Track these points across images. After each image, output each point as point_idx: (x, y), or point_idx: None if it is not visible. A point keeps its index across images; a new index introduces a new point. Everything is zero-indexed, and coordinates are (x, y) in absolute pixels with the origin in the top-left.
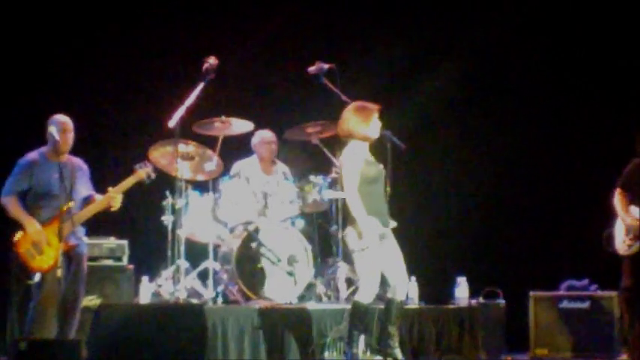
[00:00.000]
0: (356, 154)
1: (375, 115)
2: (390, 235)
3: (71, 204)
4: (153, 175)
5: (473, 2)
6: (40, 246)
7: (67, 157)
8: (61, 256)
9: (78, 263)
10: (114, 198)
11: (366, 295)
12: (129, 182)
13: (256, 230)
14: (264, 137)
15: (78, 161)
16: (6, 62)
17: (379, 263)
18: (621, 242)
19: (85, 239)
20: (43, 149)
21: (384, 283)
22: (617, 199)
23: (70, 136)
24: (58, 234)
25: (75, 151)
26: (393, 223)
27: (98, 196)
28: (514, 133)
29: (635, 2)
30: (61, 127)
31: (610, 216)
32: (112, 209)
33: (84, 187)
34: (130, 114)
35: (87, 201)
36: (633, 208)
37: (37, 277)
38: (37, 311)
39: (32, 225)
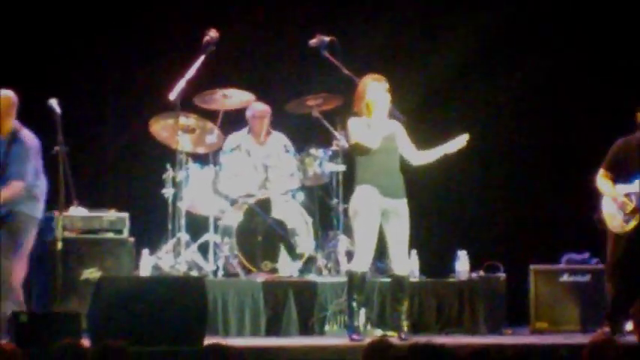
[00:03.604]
0: (354, 125)
1: (370, 86)
2: (398, 212)
3: None
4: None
5: None
6: None
7: (8, 134)
8: None
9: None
10: None
11: (357, 263)
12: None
13: (257, 203)
14: (255, 111)
15: (20, 137)
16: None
17: (372, 231)
18: (616, 221)
19: (22, 209)
20: None
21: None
22: (603, 181)
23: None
24: None
25: (76, 124)
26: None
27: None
28: (516, 108)
29: None
30: None
31: (596, 196)
32: None
33: (14, 165)
34: (130, 87)
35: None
36: (620, 187)
37: None
38: None
39: None
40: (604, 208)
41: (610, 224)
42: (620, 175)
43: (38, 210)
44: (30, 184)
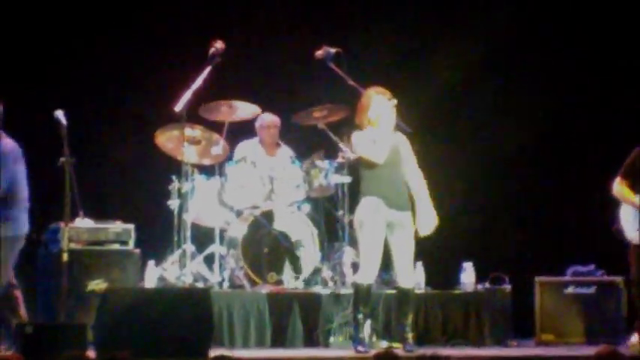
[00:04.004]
0: (359, 139)
1: (375, 99)
2: (403, 224)
3: None
4: None
5: None
6: None
7: None
8: None
9: None
10: None
11: (363, 275)
12: None
13: (263, 214)
14: (264, 122)
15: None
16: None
17: (377, 243)
18: (636, 231)
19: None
20: None
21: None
22: (620, 188)
23: None
24: None
25: (82, 136)
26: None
27: None
28: (521, 118)
29: None
30: None
31: (612, 205)
32: None
33: None
34: (136, 98)
35: None
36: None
37: None
38: None
39: None
40: (622, 217)
41: (629, 234)
42: (637, 184)
43: (17, 227)
44: (3, 189)
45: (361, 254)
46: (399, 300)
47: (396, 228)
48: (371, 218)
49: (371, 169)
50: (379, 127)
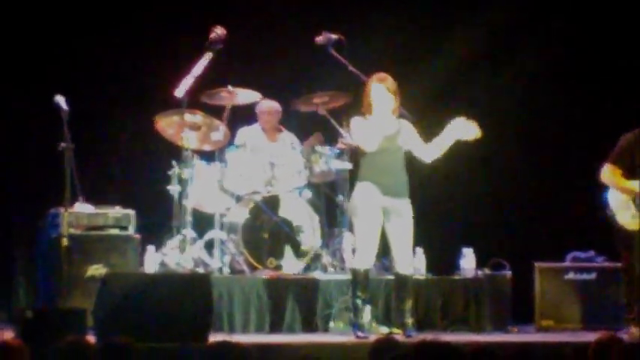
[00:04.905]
0: (355, 125)
1: (372, 87)
2: (399, 211)
3: None
4: None
5: None
6: None
7: None
8: None
9: None
10: None
11: (359, 260)
12: None
13: (263, 200)
14: (262, 108)
15: None
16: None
17: (373, 228)
18: (627, 216)
19: None
20: None
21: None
22: (611, 174)
23: None
24: None
25: (82, 121)
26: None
27: None
28: (522, 106)
29: None
30: None
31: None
32: None
33: None
34: (136, 83)
35: None
36: (632, 182)
37: None
38: None
39: None
40: (611, 202)
41: (621, 219)
42: (627, 170)
43: None
44: None
45: (357, 239)
46: (397, 287)
47: (391, 215)
48: (364, 203)
49: (367, 156)
50: (374, 113)
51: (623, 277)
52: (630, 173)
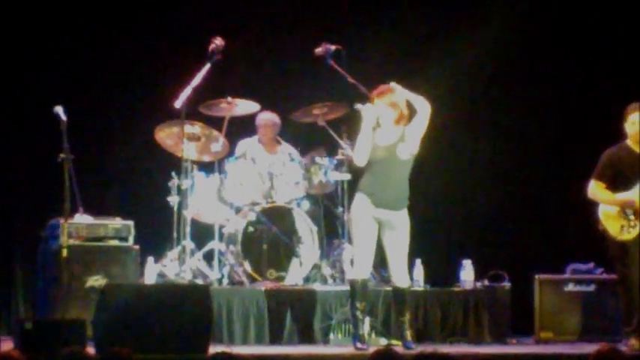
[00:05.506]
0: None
1: (376, 99)
2: (392, 224)
3: None
4: None
5: None
6: None
7: None
8: None
9: None
10: None
11: (357, 270)
12: None
13: (262, 211)
14: (260, 120)
15: None
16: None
17: (369, 238)
18: (617, 228)
19: None
20: None
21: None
22: (596, 189)
23: None
24: None
25: (82, 131)
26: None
27: None
28: (522, 116)
29: None
30: None
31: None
32: None
33: None
34: (135, 94)
35: None
36: (617, 195)
37: None
38: None
39: None
40: (601, 217)
41: (612, 231)
42: (611, 184)
43: None
44: None
45: (354, 250)
46: (395, 299)
47: (385, 227)
48: (360, 214)
49: (366, 167)
50: (379, 128)
51: (620, 290)
52: (614, 187)
